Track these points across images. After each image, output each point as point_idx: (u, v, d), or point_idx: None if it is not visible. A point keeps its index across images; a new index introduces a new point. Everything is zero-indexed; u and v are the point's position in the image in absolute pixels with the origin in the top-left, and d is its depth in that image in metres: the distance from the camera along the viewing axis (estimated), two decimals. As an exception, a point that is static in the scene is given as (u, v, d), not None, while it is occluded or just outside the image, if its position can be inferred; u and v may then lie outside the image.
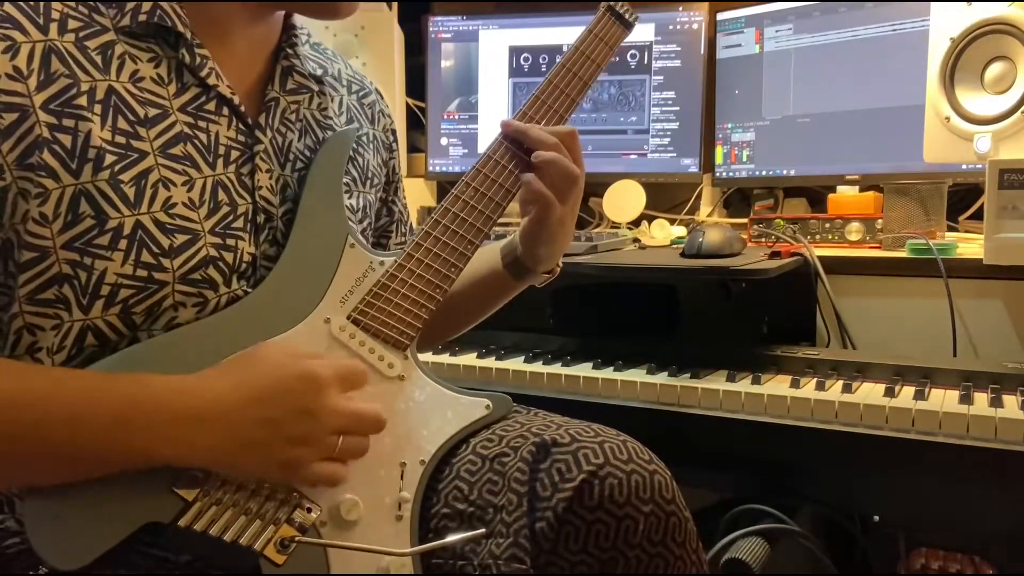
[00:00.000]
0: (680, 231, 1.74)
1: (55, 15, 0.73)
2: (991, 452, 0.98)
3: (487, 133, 1.95)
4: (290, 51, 0.88)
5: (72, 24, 0.74)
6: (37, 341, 0.73)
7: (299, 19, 0.91)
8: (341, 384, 0.73)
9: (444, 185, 2.06)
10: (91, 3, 0.75)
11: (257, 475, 0.71)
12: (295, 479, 0.72)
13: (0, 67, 0.69)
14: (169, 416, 0.68)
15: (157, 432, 0.67)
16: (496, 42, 1.94)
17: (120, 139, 0.73)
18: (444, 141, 1.99)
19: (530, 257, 0.97)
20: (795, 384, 1.14)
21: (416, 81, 2.03)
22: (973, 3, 1.29)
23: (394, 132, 1.05)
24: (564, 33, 1.88)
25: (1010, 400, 1.05)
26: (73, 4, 0.75)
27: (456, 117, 1.98)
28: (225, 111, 0.80)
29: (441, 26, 1.98)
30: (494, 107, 1.95)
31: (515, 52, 1.92)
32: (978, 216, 1.49)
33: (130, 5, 0.76)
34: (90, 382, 0.69)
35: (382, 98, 1.04)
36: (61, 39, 0.73)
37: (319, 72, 0.91)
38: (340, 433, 0.72)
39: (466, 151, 1.98)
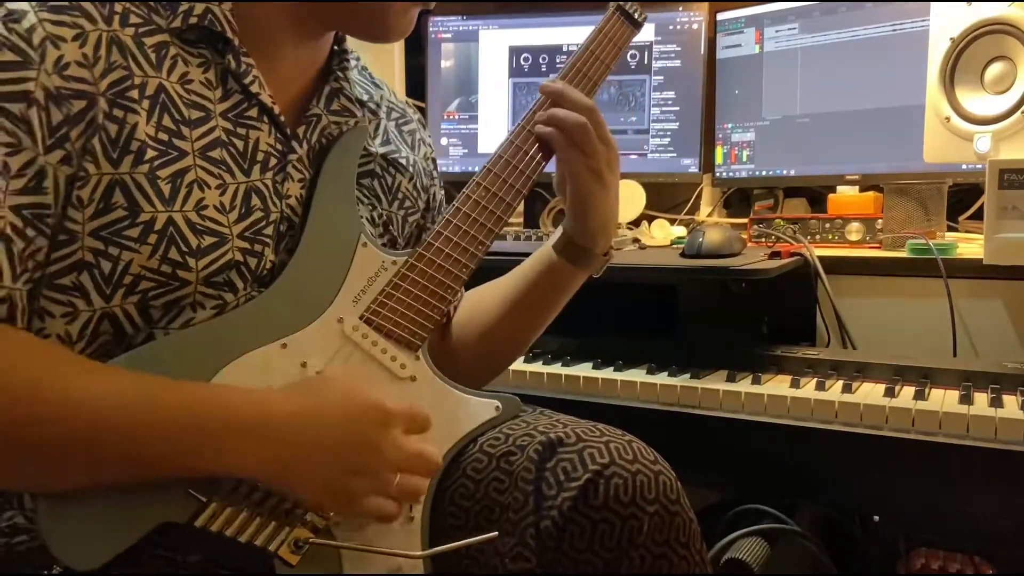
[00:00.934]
0: (680, 231, 1.75)
1: (118, 9, 0.75)
2: (991, 452, 0.98)
3: (487, 133, 1.96)
4: (340, 74, 0.88)
5: (133, 19, 0.75)
6: (45, 327, 0.73)
7: (351, 42, 0.91)
8: (408, 422, 0.73)
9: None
10: (150, 3, 0.77)
11: (308, 498, 0.71)
12: (346, 509, 0.72)
13: (71, 55, 0.70)
14: (237, 426, 0.68)
15: (223, 441, 0.67)
16: (496, 42, 1.94)
17: (163, 136, 0.74)
18: (444, 141, 1.99)
19: (583, 235, 0.94)
20: (795, 384, 1.14)
21: (416, 81, 2.03)
22: (973, 3, 1.29)
23: (435, 161, 1.05)
24: (564, 33, 1.88)
25: (1010, 400, 1.05)
26: (134, 3, 0.76)
27: (456, 117, 1.98)
28: (265, 119, 0.81)
29: (441, 26, 1.98)
30: (494, 107, 1.95)
31: (515, 52, 1.92)
32: (978, 216, 1.50)
33: (183, 7, 0.77)
34: (152, 385, 0.68)
35: (424, 128, 1.04)
36: (122, 31, 0.74)
37: (364, 97, 0.92)
38: (399, 470, 0.72)
39: (466, 151, 1.98)
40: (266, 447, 0.68)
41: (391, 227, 0.94)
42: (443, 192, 1.07)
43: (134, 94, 0.73)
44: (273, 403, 0.71)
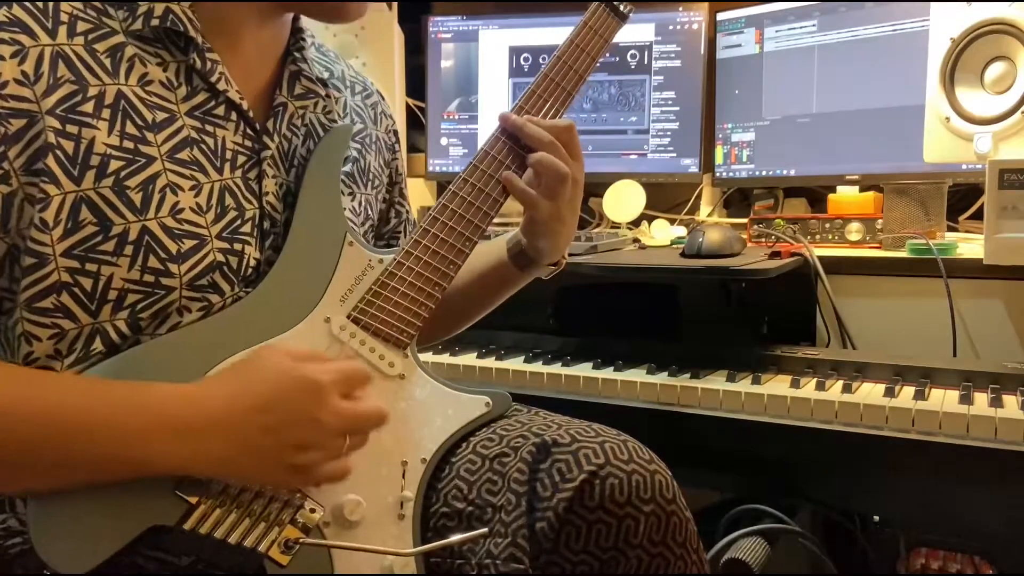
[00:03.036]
0: (680, 231, 1.74)
1: (64, 17, 0.73)
2: (991, 452, 0.98)
3: (487, 133, 1.93)
4: (298, 55, 0.87)
5: (81, 26, 0.73)
6: (33, 351, 0.72)
7: (304, 21, 0.90)
8: (343, 386, 0.73)
9: (444, 185, 2.05)
10: (100, 5, 0.75)
11: (264, 481, 0.71)
12: (303, 483, 0.72)
13: (8, 72, 0.69)
14: (172, 426, 0.68)
15: (160, 443, 0.67)
16: (496, 42, 1.94)
17: (128, 144, 0.73)
18: (444, 141, 1.99)
19: (533, 250, 0.97)
20: (795, 384, 1.14)
21: (416, 81, 2.03)
22: (973, 3, 1.29)
23: (396, 133, 1.05)
24: (564, 33, 1.85)
25: (1010, 400, 1.05)
26: (81, 5, 0.74)
27: (456, 117, 1.98)
28: (233, 116, 0.80)
29: (441, 26, 1.98)
30: (494, 107, 1.95)
31: (515, 52, 1.92)
32: (978, 216, 1.49)
33: (142, 8, 0.75)
34: (93, 390, 0.69)
35: (383, 99, 1.04)
36: (71, 42, 0.72)
37: (325, 75, 0.91)
38: (344, 434, 0.72)
39: (466, 151, 1.98)
40: (207, 443, 0.68)
41: (371, 211, 0.95)
42: (405, 165, 1.07)
43: (88, 107, 0.72)
44: (206, 397, 0.70)
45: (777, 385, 1.16)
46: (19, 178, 0.69)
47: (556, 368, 1.28)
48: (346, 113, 0.94)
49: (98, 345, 0.73)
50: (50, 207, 0.70)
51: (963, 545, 1.19)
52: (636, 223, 1.78)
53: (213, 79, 0.78)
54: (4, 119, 0.69)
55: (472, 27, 1.95)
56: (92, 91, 0.72)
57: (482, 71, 1.95)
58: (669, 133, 1.82)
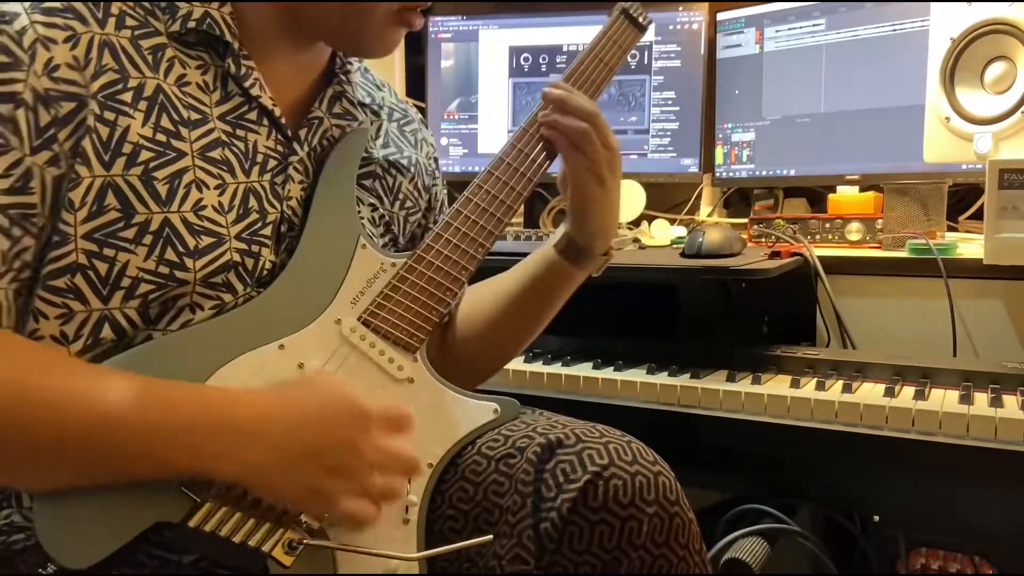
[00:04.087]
0: (680, 231, 1.75)
1: (114, 11, 0.75)
2: (991, 452, 0.98)
3: (487, 133, 1.96)
4: (343, 77, 0.88)
5: (129, 22, 0.75)
6: (39, 328, 0.73)
7: None
8: (387, 423, 0.73)
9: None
10: (148, 6, 0.77)
11: (285, 497, 0.70)
12: (324, 509, 0.71)
13: (61, 57, 0.70)
14: (215, 427, 0.68)
15: (201, 443, 0.67)
16: (496, 42, 1.94)
17: (160, 136, 0.74)
18: (444, 141, 1.99)
19: (583, 235, 0.95)
20: (795, 384, 1.14)
21: (416, 81, 2.03)
22: (973, 3, 1.29)
23: (437, 160, 1.05)
24: (564, 33, 1.88)
25: (1010, 400, 1.05)
26: (132, 4, 0.76)
27: (456, 117, 1.98)
28: (265, 122, 0.81)
29: (441, 26, 1.98)
30: (494, 107, 1.95)
31: (515, 52, 1.92)
32: (978, 216, 1.50)
33: (182, 10, 0.77)
34: (135, 384, 0.68)
35: (426, 127, 1.04)
36: (117, 34, 0.74)
37: (367, 100, 0.92)
38: (377, 471, 0.72)
39: (466, 151, 1.98)
40: (246, 450, 0.68)
41: (392, 227, 0.94)
42: (445, 192, 1.07)
43: (127, 97, 0.73)
44: (251, 403, 0.70)
45: (777, 385, 1.16)
46: (68, 161, 0.71)
47: (556, 368, 1.28)
48: (379, 136, 0.94)
49: (107, 333, 0.73)
50: (79, 188, 0.71)
51: (963, 545, 1.19)
52: (636, 223, 1.78)
53: (247, 84, 0.79)
54: (56, 102, 0.70)
55: (472, 27, 1.95)
56: (132, 82, 0.74)
57: (482, 71, 1.95)
58: (669, 133, 1.83)
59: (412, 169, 0.97)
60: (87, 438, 0.65)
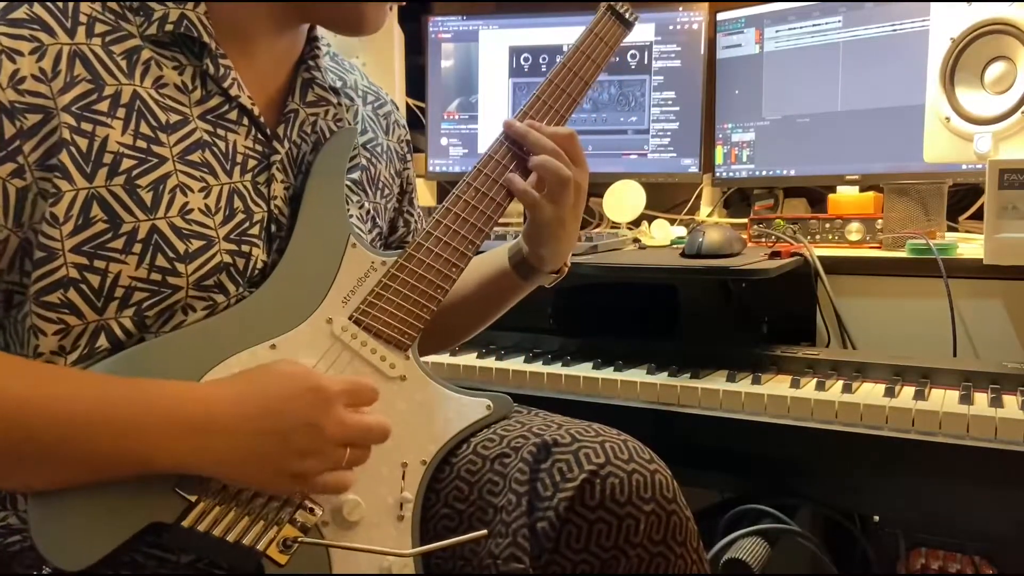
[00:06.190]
0: (680, 231, 1.74)
1: (83, 18, 0.73)
2: (991, 452, 0.98)
3: (487, 133, 1.95)
4: (312, 63, 0.88)
5: (99, 28, 0.74)
6: (39, 345, 0.73)
7: (320, 30, 0.91)
8: (348, 398, 0.73)
9: (444, 185, 2.07)
10: (118, 9, 0.76)
11: (263, 485, 0.71)
12: (303, 489, 0.72)
13: (27, 68, 0.70)
14: (178, 424, 0.68)
15: (165, 440, 0.67)
16: (496, 42, 1.94)
17: (141, 143, 0.74)
18: (444, 141, 1.99)
19: (535, 257, 0.97)
20: (795, 384, 1.14)
21: (416, 81, 2.03)
22: (973, 3, 1.29)
23: (408, 143, 1.05)
24: (564, 33, 1.88)
25: (1010, 400, 1.05)
26: (100, 7, 0.75)
27: (456, 117, 1.98)
28: (245, 121, 0.81)
29: (441, 26, 1.98)
30: (494, 107, 1.95)
31: (515, 52, 1.92)
32: (978, 216, 1.49)
33: (157, 14, 0.76)
34: (101, 386, 0.69)
35: (397, 109, 1.04)
36: (88, 42, 0.73)
37: (338, 84, 0.92)
38: (346, 445, 0.72)
39: (466, 151, 1.98)
40: (211, 443, 0.68)
41: (377, 220, 0.95)
42: (415, 175, 1.07)
43: (103, 106, 0.72)
44: (213, 397, 0.70)
45: (777, 385, 1.16)
46: (33, 173, 0.70)
47: (556, 368, 1.28)
48: (357, 122, 0.94)
49: (103, 342, 0.73)
50: (61, 202, 0.70)
51: (963, 545, 1.19)
52: (636, 223, 1.78)
53: (225, 84, 0.79)
54: (20, 114, 0.69)
55: (472, 27, 1.95)
56: (108, 90, 0.73)
57: (482, 71, 1.95)
58: (669, 133, 1.83)
59: (385, 156, 0.98)
60: (51, 439, 0.66)
